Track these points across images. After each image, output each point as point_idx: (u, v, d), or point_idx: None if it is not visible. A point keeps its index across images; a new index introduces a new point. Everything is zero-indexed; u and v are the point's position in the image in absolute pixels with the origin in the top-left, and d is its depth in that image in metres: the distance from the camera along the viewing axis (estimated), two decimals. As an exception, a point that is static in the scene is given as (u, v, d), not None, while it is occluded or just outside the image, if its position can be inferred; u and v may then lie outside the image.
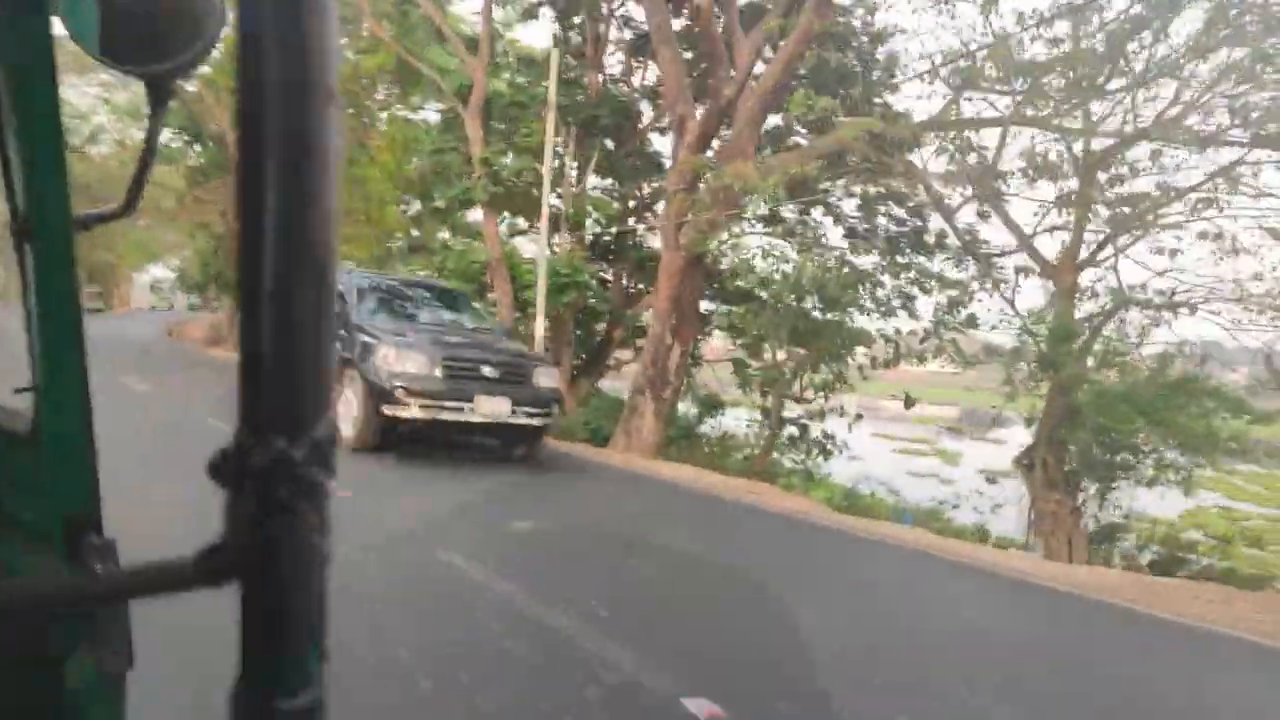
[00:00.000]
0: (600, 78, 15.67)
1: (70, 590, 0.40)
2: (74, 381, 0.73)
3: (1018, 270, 12.25)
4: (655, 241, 14.37)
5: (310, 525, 0.34)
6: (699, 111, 11.16)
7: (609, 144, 15.26)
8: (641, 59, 15.56)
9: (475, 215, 16.24)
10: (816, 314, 11.46)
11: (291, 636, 0.34)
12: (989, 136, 12.03)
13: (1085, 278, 11.88)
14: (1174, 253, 11.25)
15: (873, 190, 12.96)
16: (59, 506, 0.73)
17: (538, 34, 27.10)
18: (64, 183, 0.72)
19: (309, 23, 0.33)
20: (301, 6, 0.33)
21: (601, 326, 15.78)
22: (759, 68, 10.90)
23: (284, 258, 0.33)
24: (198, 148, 24.45)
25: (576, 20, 15.60)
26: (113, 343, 19.19)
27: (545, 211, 12.18)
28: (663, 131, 15.71)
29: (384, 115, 20.74)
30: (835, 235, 14.34)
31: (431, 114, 18.24)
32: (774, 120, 12.32)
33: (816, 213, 13.86)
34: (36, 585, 0.49)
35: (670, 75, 11.22)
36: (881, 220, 13.51)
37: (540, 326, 11.93)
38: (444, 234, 18.50)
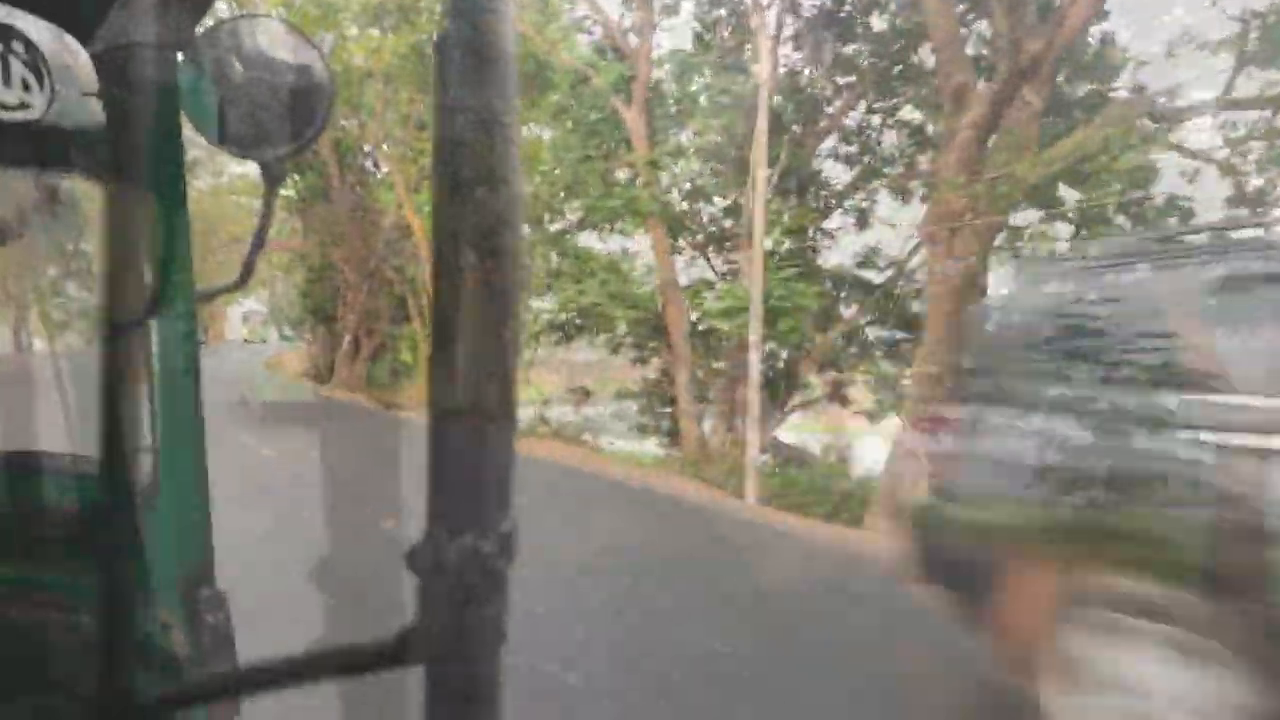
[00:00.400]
0: (773, 68, 13.11)
1: (272, 671, 0.39)
2: (191, 443, 0.80)
3: None
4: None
5: (494, 611, 0.36)
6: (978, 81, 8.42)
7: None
8: (828, 38, 12.95)
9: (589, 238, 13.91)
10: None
11: (478, 713, 0.37)
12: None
13: None
14: None
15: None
16: (176, 560, 0.78)
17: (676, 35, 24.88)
18: (188, 261, 0.80)
19: (499, 114, 0.35)
20: (489, 100, 0.35)
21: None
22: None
23: (475, 369, 0.36)
24: (296, 176, 22.87)
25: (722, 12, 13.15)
26: (216, 379, 17.32)
27: (759, 221, 9.52)
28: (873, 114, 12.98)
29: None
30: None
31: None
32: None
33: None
34: (232, 673, 0.50)
35: (943, 29, 8.50)
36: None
37: (756, 366, 9.29)
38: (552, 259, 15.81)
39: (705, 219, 13.61)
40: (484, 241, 0.35)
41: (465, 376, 0.36)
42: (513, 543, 0.37)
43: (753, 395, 9.30)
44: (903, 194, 13.30)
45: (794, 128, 12.58)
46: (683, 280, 12.64)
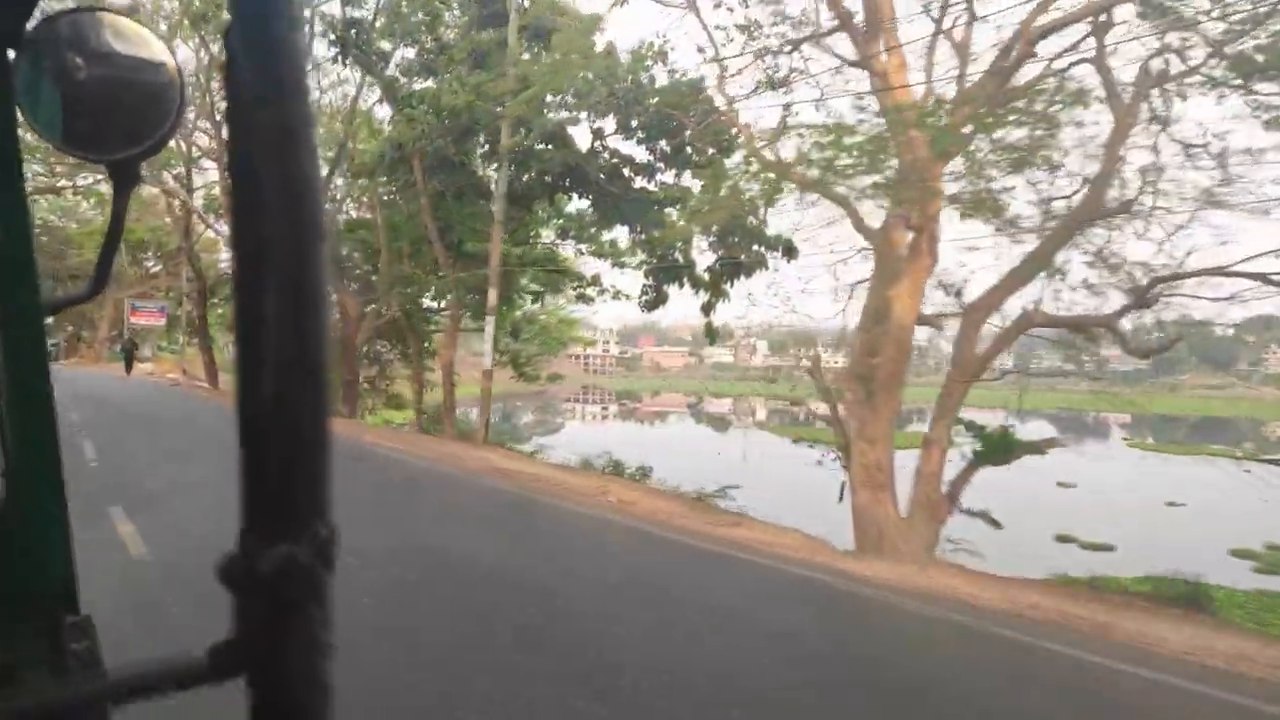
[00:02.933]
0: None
1: (80, 692, 0.42)
2: (46, 462, 0.75)
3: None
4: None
5: (315, 620, 0.36)
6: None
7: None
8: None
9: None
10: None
11: None
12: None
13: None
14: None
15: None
16: (34, 586, 0.75)
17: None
18: (32, 268, 0.73)
19: (296, 132, 0.35)
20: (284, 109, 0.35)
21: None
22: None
23: (282, 371, 0.35)
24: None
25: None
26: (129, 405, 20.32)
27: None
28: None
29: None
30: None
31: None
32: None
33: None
34: (44, 689, 0.51)
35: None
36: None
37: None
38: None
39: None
40: (285, 242, 0.35)
41: (274, 382, 0.35)
42: (331, 550, 0.36)
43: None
44: None
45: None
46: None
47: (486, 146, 18.62)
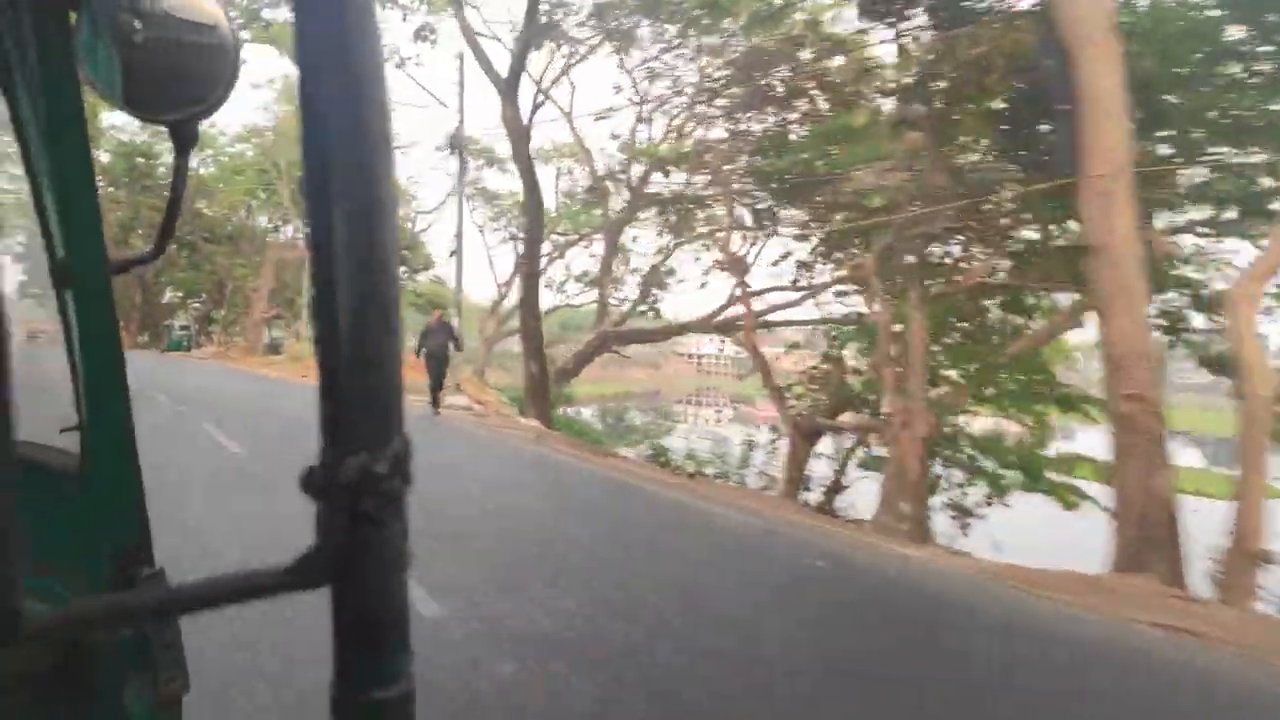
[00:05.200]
0: None
1: (166, 599, 0.39)
2: (118, 419, 0.78)
3: None
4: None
5: (394, 532, 0.37)
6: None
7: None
8: None
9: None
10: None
11: (383, 633, 0.38)
12: None
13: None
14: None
15: None
16: (109, 541, 0.76)
17: None
18: (99, 229, 0.77)
19: (363, 65, 0.36)
20: (353, 55, 0.36)
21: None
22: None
23: (355, 287, 0.36)
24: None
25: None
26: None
27: None
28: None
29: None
30: None
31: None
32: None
33: None
34: (127, 598, 0.47)
35: None
36: None
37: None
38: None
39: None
40: (351, 170, 0.36)
41: (349, 306, 0.36)
42: (406, 465, 0.38)
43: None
44: None
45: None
46: None
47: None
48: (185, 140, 0.85)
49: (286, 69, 32.77)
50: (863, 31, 12.99)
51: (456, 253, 20.49)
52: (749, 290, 21.70)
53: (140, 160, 38.45)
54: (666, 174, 19.30)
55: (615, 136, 24.84)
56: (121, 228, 39.16)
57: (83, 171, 0.74)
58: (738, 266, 18.96)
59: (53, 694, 0.70)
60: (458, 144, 18.87)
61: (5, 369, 0.38)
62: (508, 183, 41.90)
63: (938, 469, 12.70)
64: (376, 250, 0.37)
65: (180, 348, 38.27)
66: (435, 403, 14.58)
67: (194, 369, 25.65)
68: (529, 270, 18.63)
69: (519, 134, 17.61)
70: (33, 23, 0.72)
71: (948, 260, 12.70)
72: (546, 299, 35.70)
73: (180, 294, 47.75)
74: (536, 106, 20.49)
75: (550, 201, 34.42)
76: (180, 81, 0.82)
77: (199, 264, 42.03)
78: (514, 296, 30.56)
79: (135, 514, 0.80)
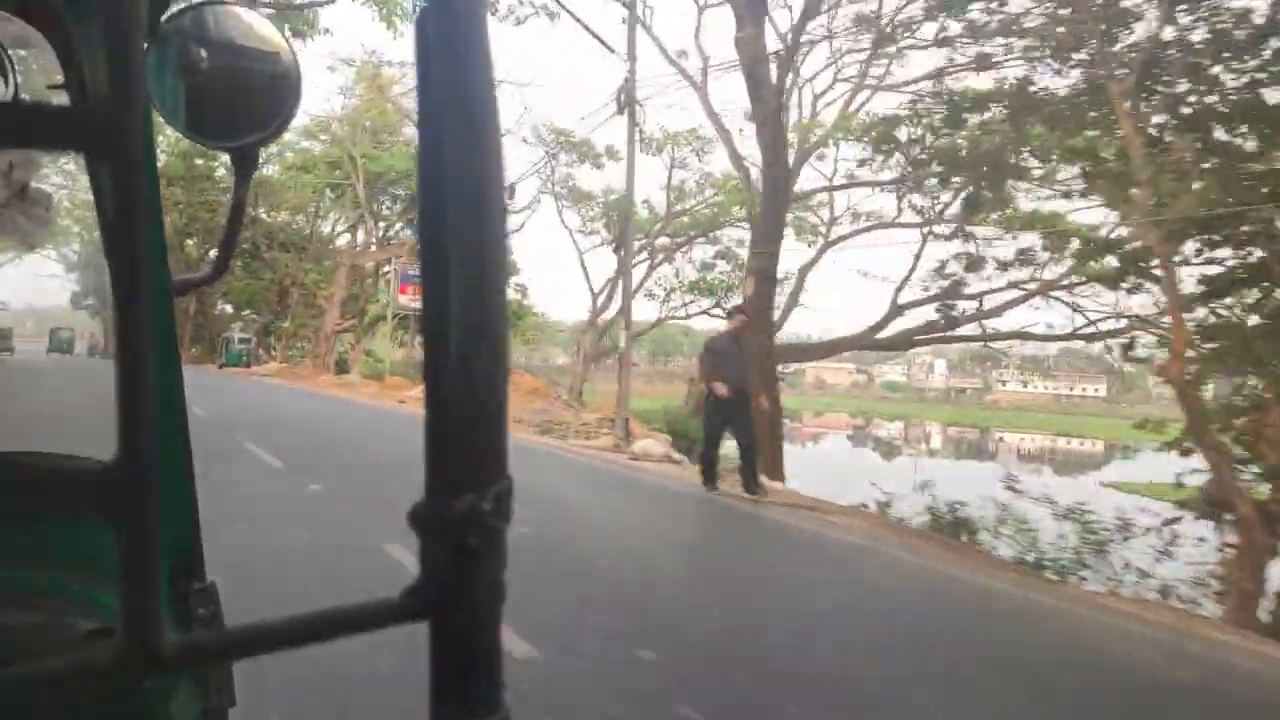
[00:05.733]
0: None
1: (278, 633, 0.41)
2: (173, 435, 0.82)
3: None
4: None
5: (494, 567, 0.38)
6: None
7: None
8: None
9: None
10: None
11: (481, 665, 0.39)
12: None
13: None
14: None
15: None
16: (163, 554, 0.73)
17: None
18: (163, 251, 0.82)
19: (481, 99, 0.37)
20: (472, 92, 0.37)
21: None
22: None
23: (466, 325, 0.37)
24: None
25: None
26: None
27: None
28: None
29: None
30: None
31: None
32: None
33: None
34: (249, 629, 0.47)
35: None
36: None
37: None
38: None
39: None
40: (465, 224, 0.37)
41: (459, 347, 0.37)
42: (508, 503, 0.39)
43: None
44: None
45: None
46: None
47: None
48: (246, 166, 0.88)
49: (365, 41, 29.35)
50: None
51: (622, 253, 16.36)
52: (971, 293, 17.42)
53: (199, 161, 35.37)
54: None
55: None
56: (176, 231, 36.89)
57: (150, 195, 0.77)
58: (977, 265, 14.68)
59: (103, 703, 0.69)
60: (628, 100, 14.58)
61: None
62: (604, 178, 37.57)
63: None
64: (488, 285, 0.38)
65: (239, 362, 34.84)
66: (751, 483, 8.98)
67: (263, 390, 22.12)
68: (759, 268, 13.90)
69: (763, 77, 12.86)
70: (106, 49, 0.67)
71: None
72: (643, 311, 31.98)
73: (234, 305, 44.55)
74: (796, 35, 14.79)
75: (646, 194, 31.09)
76: (243, 108, 0.84)
77: (259, 271, 38.78)
78: (613, 307, 27.88)
79: (188, 527, 0.86)
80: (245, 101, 0.84)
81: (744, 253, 25.75)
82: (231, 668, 0.83)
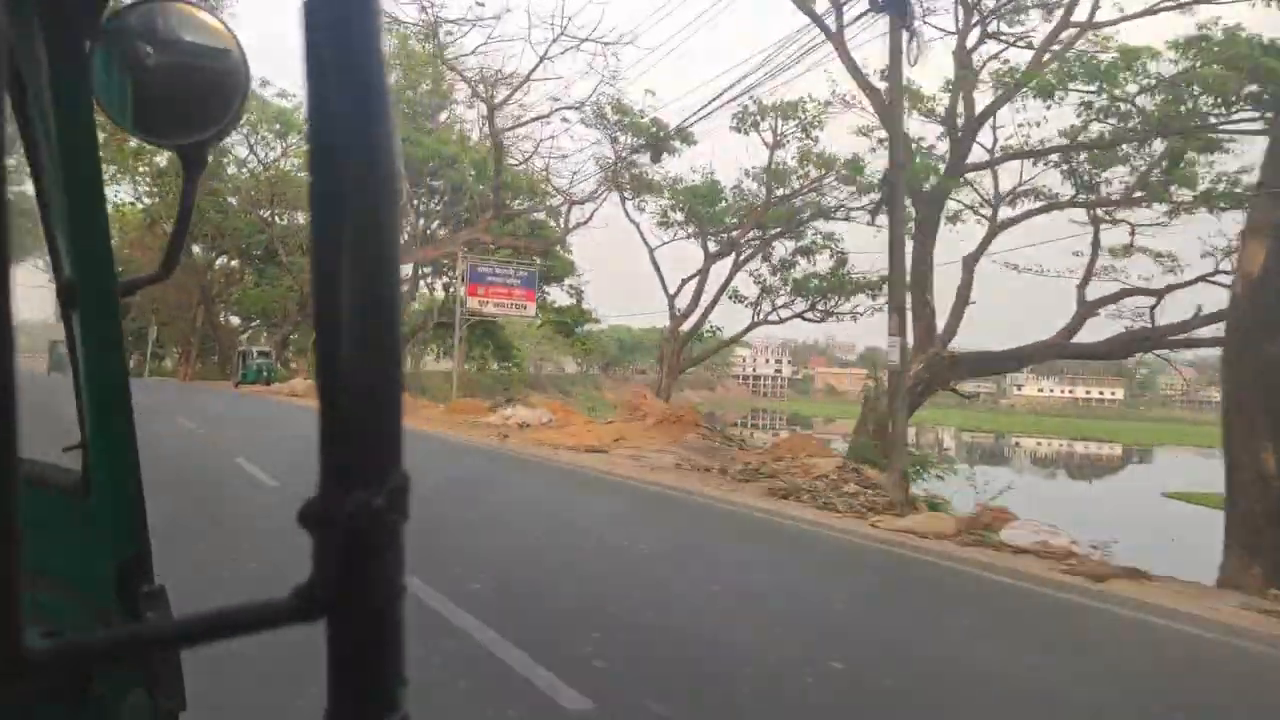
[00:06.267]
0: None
1: (168, 632, 0.40)
2: (121, 438, 0.79)
3: None
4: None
5: (390, 564, 0.38)
6: None
7: None
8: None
9: None
10: None
11: (380, 665, 0.39)
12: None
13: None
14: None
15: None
16: (111, 557, 0.78)
17: None
18: (108, 250, 0.79)
19: (371, 104, 0.37)
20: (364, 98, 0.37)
21: None
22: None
23: (358, 319, 0.36)
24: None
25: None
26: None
27: None
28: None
29: None
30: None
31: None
32: None
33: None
34: (130, 631, 0.48)
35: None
36: None
37: None
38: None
39: None
40: (359, 205, 0.36)
41: (350, 339, 0.36)
42: (404, 498, 0.38)
43: None
44: None
45: None
46: None
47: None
48: (194, 163, 0.87)
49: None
50: None
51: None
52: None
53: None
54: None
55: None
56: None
57: (93, 194, 0.76)
58: None
59: (52, 710, 0.67)
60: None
61: (9, 387, 0.38)
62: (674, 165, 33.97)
63: None
64: (379, 281, 0.37)
65: (258, 379, 30.83)
66: None
67: (292, 416, 17.96)
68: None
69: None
70: (47, 47, 0.75)
71: None
72: (725, 316, 28.17)
73: (242, 315, 40.58)
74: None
75: (730, 178, 27.67)
76: (191, 105, 0.83)
77: (275, 278, 34.99)
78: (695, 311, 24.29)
79: (136, 531, 0.83)
80: (194, 98, 0.83)
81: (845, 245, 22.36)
82: (180, 671, 0.84)
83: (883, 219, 15.12)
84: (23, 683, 0.37)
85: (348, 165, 0.36)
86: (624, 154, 24.48)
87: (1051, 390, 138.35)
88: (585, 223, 26.62)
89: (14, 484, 0.34)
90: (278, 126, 31.56)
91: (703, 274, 23.90)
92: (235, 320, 41.45)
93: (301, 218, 35.25)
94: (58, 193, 0.77)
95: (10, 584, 0.34)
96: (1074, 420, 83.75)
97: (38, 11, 0.71)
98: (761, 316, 24.77)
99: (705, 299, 24.30)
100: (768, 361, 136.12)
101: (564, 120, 24.97)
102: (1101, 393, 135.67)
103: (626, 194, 25.08)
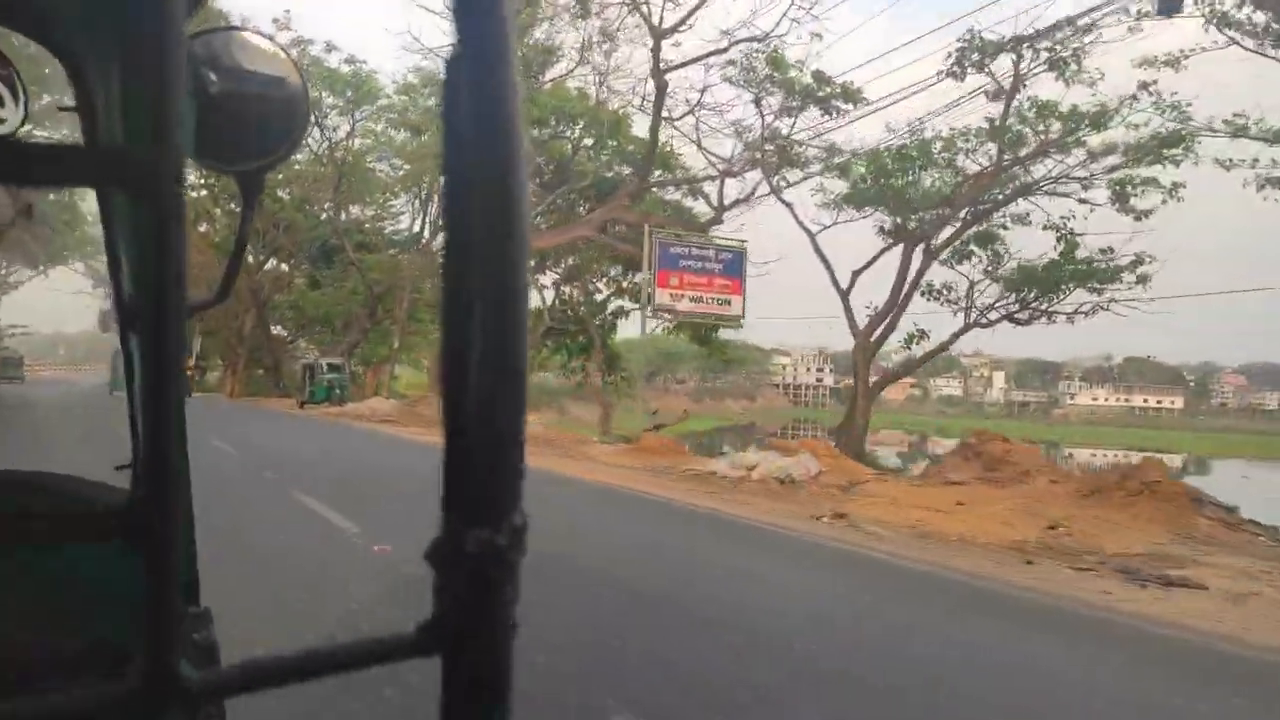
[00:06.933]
0: None
1: (295, 667, 0.42)
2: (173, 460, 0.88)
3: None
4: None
5: (508, 601, 0.39)
6: None
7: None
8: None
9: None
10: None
11: (492, 698, 0.40)
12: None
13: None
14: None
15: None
16: None
17: None
18: (181, 276, 0.81)
19: (502, 132, 0.37)
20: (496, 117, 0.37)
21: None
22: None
23: (487, 372, 0.37)
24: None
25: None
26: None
27: None
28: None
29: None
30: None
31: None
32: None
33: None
34: (262, 664, 0.46)
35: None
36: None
37: None
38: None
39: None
40: (491, 248, 0.37)
41: (478, 383, 0.37)
42: (523, 537, 0.39)
43: None
44: None
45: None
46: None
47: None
48: (252, 191, 0.89)
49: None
50: None
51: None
52: None
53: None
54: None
55: None
56: (219, 249, 30.58)
57: (178, 229, 0.81)
58: None
59: None
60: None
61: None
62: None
63: None
64: (510, 319, 0.38)
65: (328, 399, 25.89)
66: None
67: (405, 456, 13.01)
68: None
69: None
70: (122, 73, 0.76)
71: None
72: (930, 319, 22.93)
73: (292, 324, 35.96)
74: None
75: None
76: (251, 133, 0.85)
77: (336, 280, 30.37)
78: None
79: (185, 554, 0.83)
80: (254, 126, 0.84)
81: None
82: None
83: None
84: (177, 712, 0.37)
85: (477, 190, 0.37)
86: (778, 116, 19.57)
87: (1106, 399, 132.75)
88: (745, 200, 21.52)
89: (177, 523, 0.35)
90: (349, 95, 26.90)
91: (904, 263, 18.94)
92: (279, 329, 36.93)
93: (370, 211, 30.60)
94: (129, 216, 0.79)
95: (170, 611, 0.35)
96: (1134, 430, 79.62)
97: (134, 53, 0.71)
98: (971, 318, 19.72)
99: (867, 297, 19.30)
100: (808, 370, 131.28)
101: (729, 64, 19.68)
102: (1159, 401, 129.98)
103: (795, 166, 20.18)
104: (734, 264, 19.33)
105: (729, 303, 19.30)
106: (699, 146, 21.26)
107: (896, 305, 18.97)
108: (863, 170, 19.40)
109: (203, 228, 31.02)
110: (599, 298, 26.00)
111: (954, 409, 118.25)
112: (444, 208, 0.38)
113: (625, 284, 24.86)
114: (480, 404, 0.37)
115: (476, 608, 0.38)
